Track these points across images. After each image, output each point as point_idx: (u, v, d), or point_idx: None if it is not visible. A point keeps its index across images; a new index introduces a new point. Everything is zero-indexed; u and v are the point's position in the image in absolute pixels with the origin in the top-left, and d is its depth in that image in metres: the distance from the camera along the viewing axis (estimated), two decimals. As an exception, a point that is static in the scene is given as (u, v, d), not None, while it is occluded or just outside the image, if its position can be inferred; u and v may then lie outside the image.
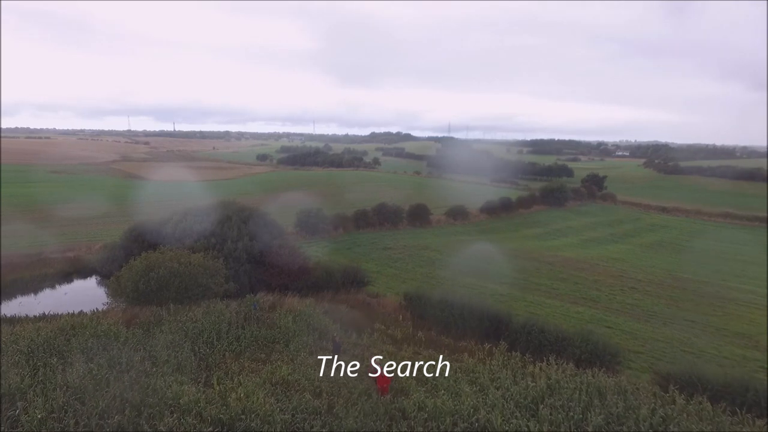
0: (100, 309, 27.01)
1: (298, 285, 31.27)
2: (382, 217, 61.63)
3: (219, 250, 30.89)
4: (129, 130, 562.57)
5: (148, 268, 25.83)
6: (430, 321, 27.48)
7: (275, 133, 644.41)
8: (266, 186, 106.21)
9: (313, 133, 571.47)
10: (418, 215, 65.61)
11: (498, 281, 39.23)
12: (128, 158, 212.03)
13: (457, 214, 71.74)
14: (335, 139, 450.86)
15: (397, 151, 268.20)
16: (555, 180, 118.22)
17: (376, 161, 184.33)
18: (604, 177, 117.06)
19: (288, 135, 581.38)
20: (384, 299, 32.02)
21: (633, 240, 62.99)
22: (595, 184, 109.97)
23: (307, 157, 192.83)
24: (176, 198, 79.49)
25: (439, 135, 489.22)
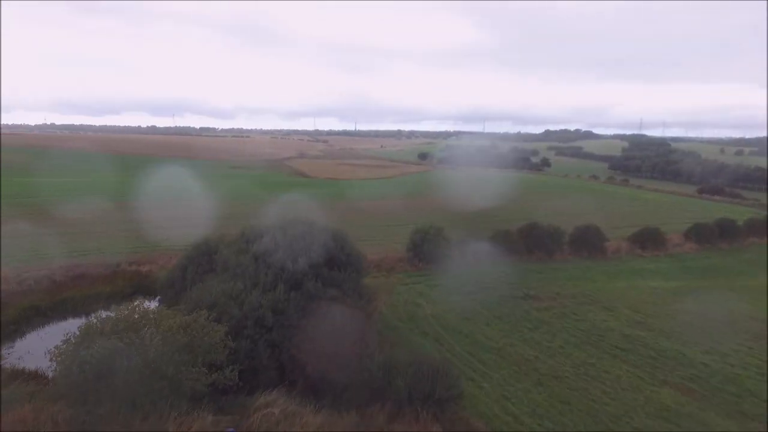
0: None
1: (331, 382, 18.74)
2: (533, 241, 45.53)
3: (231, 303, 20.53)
4: (316, 130, 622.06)
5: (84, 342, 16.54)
6: None
7: (445, 131, 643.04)
8: (410, 188, 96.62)
9: (484, 131, 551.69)
10: (587, 241, 47.51)
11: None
12: (304, 155, 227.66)
13: (648, 240, 50.91)
14: (506, 137, 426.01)
15: (573, 150, 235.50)
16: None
17: (545, 162, 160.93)
18: None
19: (458, 134, 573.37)
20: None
21: None
22: None
23: (469, 157, 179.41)
24: (312, 198, 75.36)
25: (627, 132, 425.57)
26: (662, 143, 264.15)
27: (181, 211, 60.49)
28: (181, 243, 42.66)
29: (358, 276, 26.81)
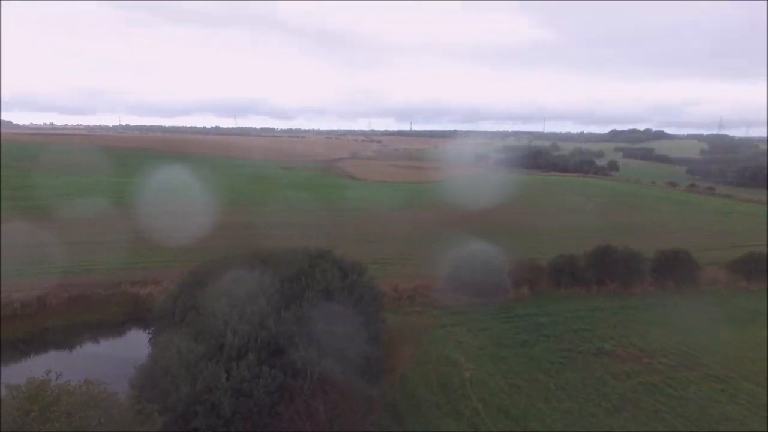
0: None
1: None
2: (605, 269, 36.98)
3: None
4: (371, 130, 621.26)
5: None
6: None
7: (503, 131, 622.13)
8: (458, 193, 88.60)
9: (543, 132, 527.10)
10: (674, 268, 38.28)
11: None
12: (356, 156, 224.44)
13: (755, 269, 40.71)
14: (568, 137, 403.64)
15: (644, 152, 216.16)
16: None
17: (612, 165, 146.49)
18: None
19: (516, 134, 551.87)
20: None
21: None
22: None
23: (527, 159, 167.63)
24: (351, 204, 69.88)
25: (705, 132, 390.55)
26: (749, 144, 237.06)
27: (213, 218, 56.83)
28: (200, 257, 38.41)
29: (372, 329, 20.31)
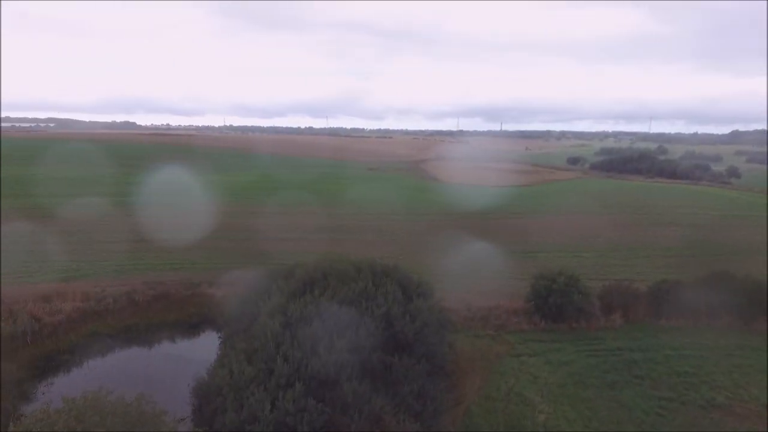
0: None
1: None
2: (719, 299, 31.55)
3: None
4: (459, 131, 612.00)
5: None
6: None
7: (602, 132, 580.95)
8: (550, 199, 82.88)
9: (649, 132, 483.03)
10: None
11: None
12: (441, 157, 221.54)
13: None
14: (678, 139, 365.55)
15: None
16: None
17: (732, 171, 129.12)
18: None
19: (617, 134, 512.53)
20: None
21: None
22: None
23: (628, 162, 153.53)
24: (427, 209, 68.03)
25: None
26: None
27: (293, 219, 58.30)
28: (273, 260, 39.21)
29: (435, 360, 18.55)
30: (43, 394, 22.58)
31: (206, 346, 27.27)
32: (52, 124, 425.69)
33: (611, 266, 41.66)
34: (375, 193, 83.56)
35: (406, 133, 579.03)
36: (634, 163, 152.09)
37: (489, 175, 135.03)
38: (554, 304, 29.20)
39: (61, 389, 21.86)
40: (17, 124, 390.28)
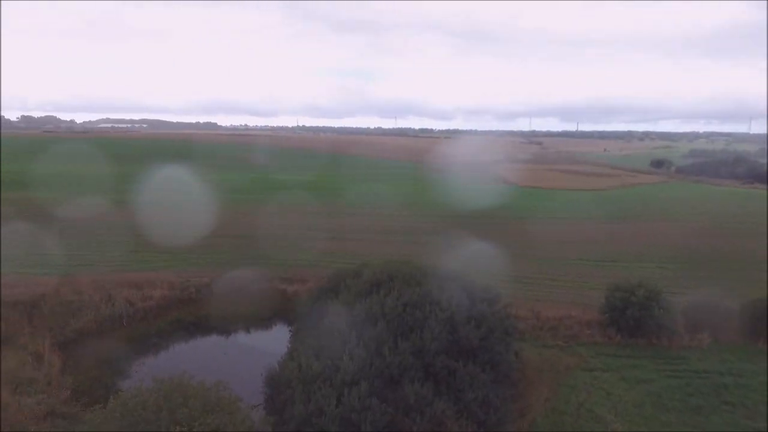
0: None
1: None
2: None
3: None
4: (531, 131, 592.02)
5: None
6: None
7: (692, 132, 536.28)
8: (631, 205, 77.85)
9: (749, 132, 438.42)
10: None
11: None
12: (511, 159, 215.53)
13: None
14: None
15: None
16: None
17: None
18: None
19: (709, 135, 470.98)
20: None
21: None
22: None
23: (721, 166, 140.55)
24: (496, 209, 66.41)
25: None
26: None
27: (361, 220, 59.56)
28: (341, 260, 40.37)
29: (500, 368, 18.24)
30: (136, 372, 24.86)
31: (277, 339, 28.65)
32: (144, 125, 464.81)
33: (698, 279, 38.47)
34: (439, 195, 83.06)
35: (475, 133, 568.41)
36: (729, 166, 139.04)
37: (564, 178, 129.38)
38: (632, 317, 27.48)
39: (150, 369, 23.97)
40: (116, 125, 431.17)
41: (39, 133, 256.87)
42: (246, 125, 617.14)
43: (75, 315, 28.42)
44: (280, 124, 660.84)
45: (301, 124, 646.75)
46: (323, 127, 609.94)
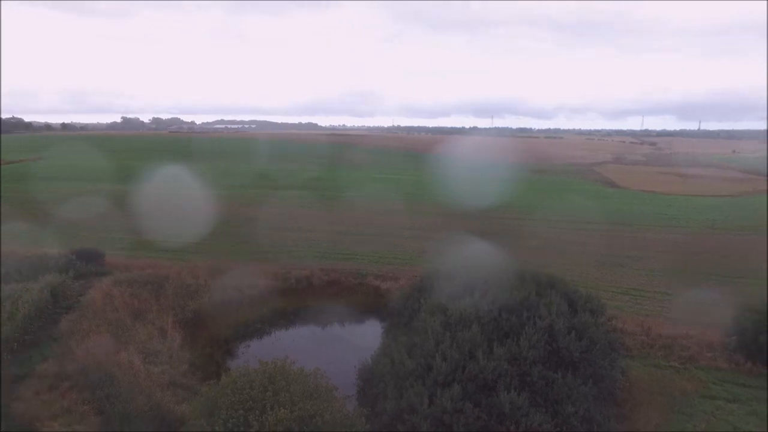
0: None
1: None
2: None
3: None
4: (644, 130, 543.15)
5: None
6: None
7: None
8: (759, 215, 68.00)
9: None
10: None
11: None
12: (620, 160, 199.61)
13: None
14: None
15: None
16: None
17: None
18: None
19: None
20: None
21: None
22: None
23: None
24: (602, 213, 61.70)
25: None
26: None
27: (449, 220, 58.88)
28: (432, 259, 40.30)
29: (603, 385, 16.95)
30: (242, 353, 27.02)
31: (370, 334, 29.37)
32: (253, 126, 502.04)
33: None
34: (538, 198, 79.42)
35: (579, 133, 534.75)
36: None
37: (683, 182, 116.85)
38: (766, 344, 24.03)
39: (255, 351, 25.90)
40: (228, 126, 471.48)
41: (166, 133, 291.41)
42: (344, 125, 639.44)
43: (192, 297, 31.61)
44: (376, 124, 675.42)
45: (396, 124, 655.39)
46: (418, 127, 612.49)
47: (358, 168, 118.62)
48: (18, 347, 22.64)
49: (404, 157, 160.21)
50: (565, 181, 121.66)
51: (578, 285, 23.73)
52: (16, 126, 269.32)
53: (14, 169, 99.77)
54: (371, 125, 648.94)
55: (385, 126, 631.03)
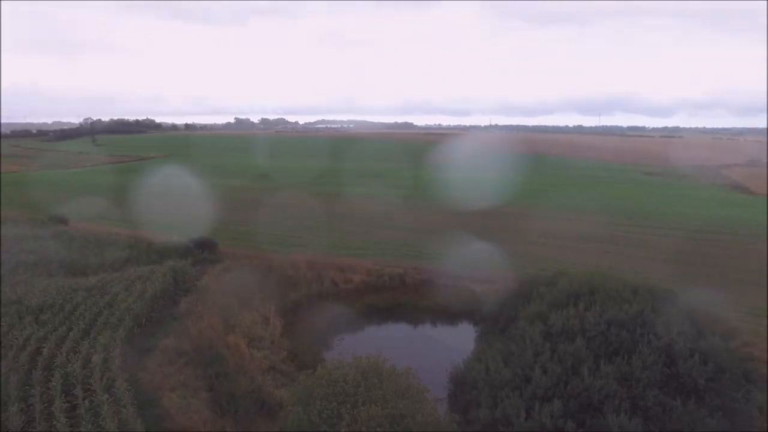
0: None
1: None
2: None
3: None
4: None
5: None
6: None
7: None
8: None
9: None
10: None
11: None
12: (755, 163, 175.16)
13: None
14: None
15: None
16: None
17: None
18: None
19: None
20: None
21: None
22: None
23: None
24: (731, 223, 54.19)
25: None
26: None
27: (551, 224, 55.59)
28: (529, 265, 38.36)
29: (735, 417, 14.80)
30: (336, 345, 27.91)
31: (463, 337, 28.72)
32: (351, 125, 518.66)
33: None
34: (651, 202, 72.29)
35: (703, 131, 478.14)
36: None
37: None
38: None
39: (349, 345, 26.58)
40: (329, 125, 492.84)
41: (273, 133, 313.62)
42: (439, 124, 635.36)
43: (292, 288, 33.37)
44: (473, 123, 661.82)
45: (494, 123, 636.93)
46: (517, 126, 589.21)
47: (452, 168, 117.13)
48: (146, 323, 25.51)
49: (503, 158, 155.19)
50: (683, 184, 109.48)
51: (705, 302, 21.00)
52: (149, 126, 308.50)
53: (144, 165, 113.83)
54: (467, 124, 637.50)
55: (482, 125, 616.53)
